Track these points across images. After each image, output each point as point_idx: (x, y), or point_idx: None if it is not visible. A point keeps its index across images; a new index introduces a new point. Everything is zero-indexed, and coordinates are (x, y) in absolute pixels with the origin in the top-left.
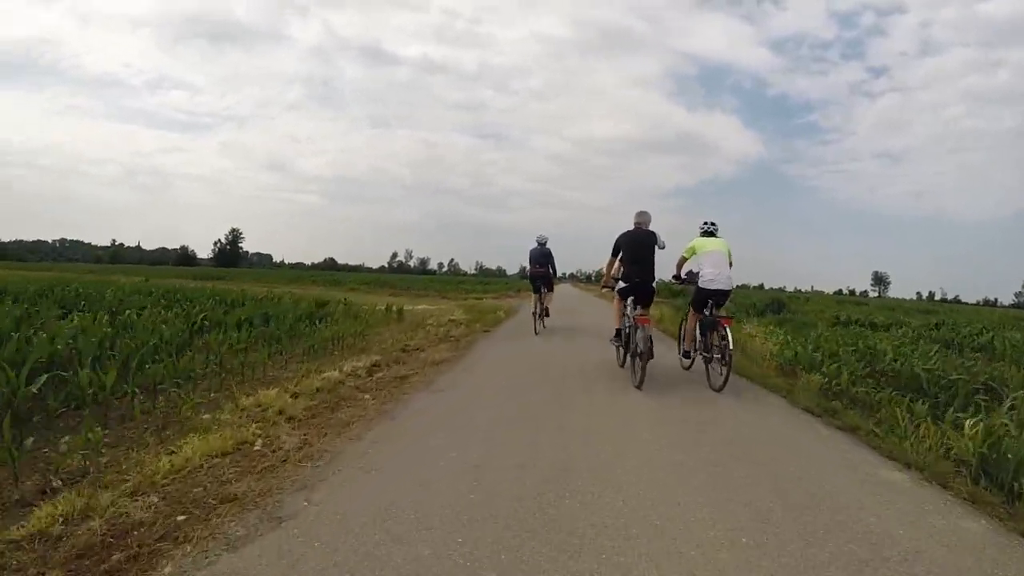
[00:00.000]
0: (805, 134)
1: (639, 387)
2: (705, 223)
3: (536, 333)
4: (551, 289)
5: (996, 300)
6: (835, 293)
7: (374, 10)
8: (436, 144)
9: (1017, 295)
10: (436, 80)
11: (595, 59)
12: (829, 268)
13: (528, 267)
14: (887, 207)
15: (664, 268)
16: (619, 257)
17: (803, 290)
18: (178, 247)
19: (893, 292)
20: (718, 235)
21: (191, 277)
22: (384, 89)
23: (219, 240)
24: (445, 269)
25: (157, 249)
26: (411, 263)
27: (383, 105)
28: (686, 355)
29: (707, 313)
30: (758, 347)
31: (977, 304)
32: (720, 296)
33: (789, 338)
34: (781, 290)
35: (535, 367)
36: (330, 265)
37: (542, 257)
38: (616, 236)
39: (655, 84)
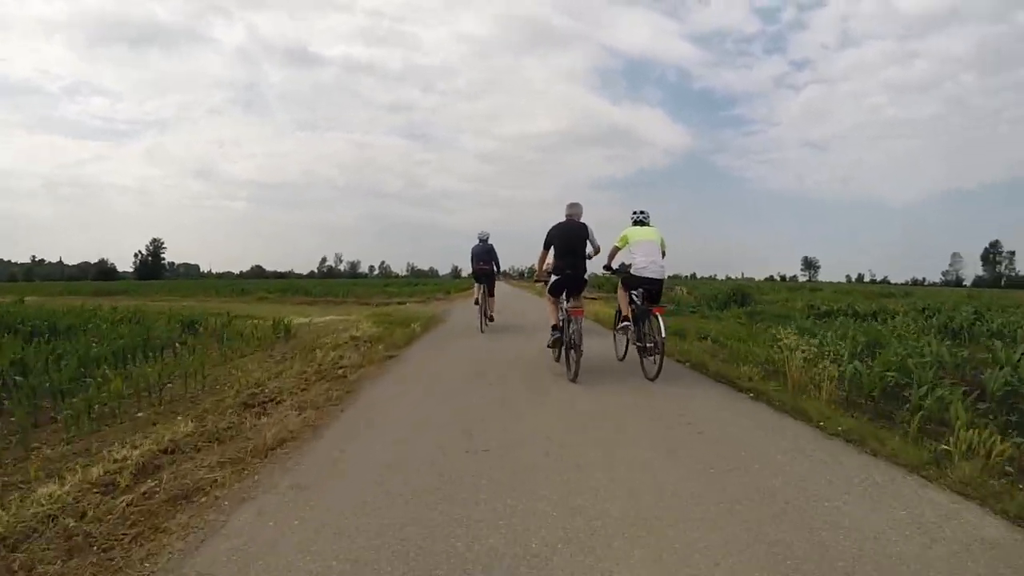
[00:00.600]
0: (732, 125)
1: (574, 380)
2: (635, 212)
3: (481, 331)
4: (492, 293)
5: (924, 279)
6: (767, 279)
7: (298, 12)
8: (367, 146)
9: (944, 273)
10: (363, 81)
11: (520, 56)
12: (759, 256)
13: (471, 265)
14: (815, 194)
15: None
16: (551, 249)
17: (734, 277)
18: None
19: (822, 276)
20: (650, 223)
21: (91, 293)
22: (311, 91)
23: (139, 252)
24: (376, 272)
25: (80, 263)
26: (341, 267)
27: (311, 108)
28: (623, 320)
29: (639, 303)
30: (802, 365)
31: (906, 284)
32: (652, 284)
33: (826, 345)
34: (712, 278)
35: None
36: (257, 273)
37: (485, 254)
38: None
39: (581, 79)
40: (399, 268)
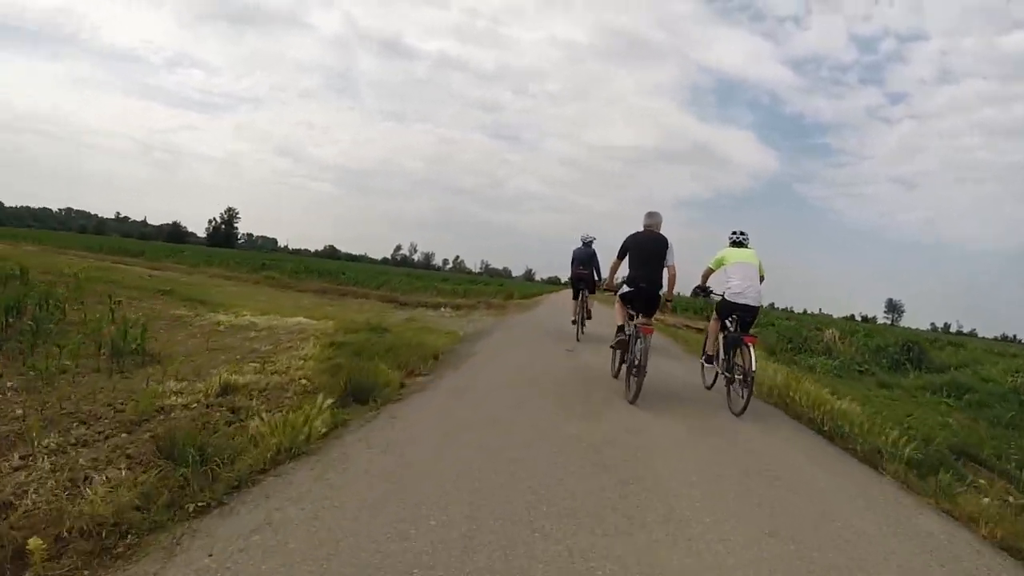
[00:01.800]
0: (820, 155)
1: (632, 402)
2: (735, 232)
3: (577, 340)
4: (593, 291)
5: (1015, 336)
6: (846, 318)
7: (395, 4)
8: (452, 141)
9: None
10: (455, 77)
11: (613, 66)
12: (836, 292)
13: (571, 269)
14: (897, 232)
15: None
16: (624, 260)
17: (810, 312)
18: (181, 223)
19: (907, 321)
20: (749, 246)
21: (121, 253)
22: (402, 83)
23: (213, 219)
24: (450, 266)
25: (163, 224)
26: (415, 257)
27: (400, 99)
28: (708, 360)
29: (731, 329)
30: None
31: (996, 339)
32: (747, 312)
33: None
34: (788, 311)
35: None
36: (329, 253)
37: (586, 258)
38: (624, 238)
39: (671, 94)
40: (473, 264)
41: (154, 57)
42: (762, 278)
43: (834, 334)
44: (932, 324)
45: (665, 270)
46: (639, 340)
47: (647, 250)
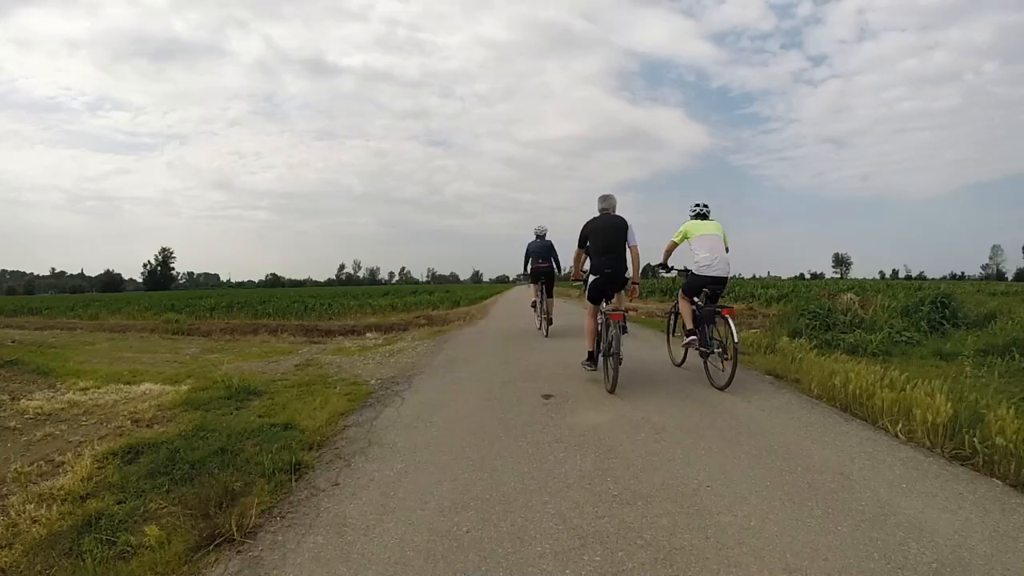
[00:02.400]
0: (749, 124)
1: (611, 391)
2: (696, 205)
3: (546, 335)
4: (551, 294)
5: (963, 273)
6: (797, 277)
7: (314, 22)
8: (386, 153)
9: (984, 267)
10: (381, 89)
11: (540, 60)
12: (784, 255)
13: (527, 265)
14: (835, 190)
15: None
16: (586, 248)
17: (760, 276)
18: (113, 271)
19: (855, 273)
20: (711, 217)
21: (14, 313)
22: (329, 101)
23: (148, 262)
24: (396, 279)
25: (103, 274)
26: (360, 274)
27: (329, 117)
28: (690, 334)
29: (702, 303)
30: None
31: (944, 278)
32: (717, 284)
33: None
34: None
35: None
36: (272, 282)
37: (544, 251)
38: (582, 226)
39: (600, 81)
40: (419, 274)
41: (75, 103)
42: (727, 248)
43: (852, 299)
44: (880, 272)
45: (628, 252)
46: (612, 326)
47: (607, 234)
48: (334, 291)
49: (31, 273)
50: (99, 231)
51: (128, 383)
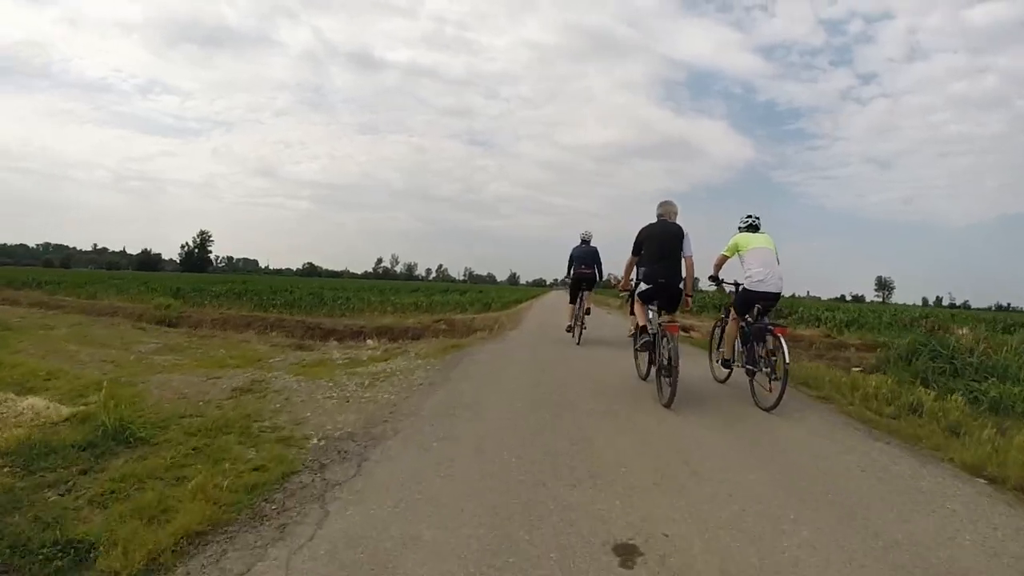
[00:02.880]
0: (794, 140)
1: (667, 405)
2: (748, 216)
3: (578, 343)
4: (591, 289)
5: (1009, 304)
6: (838, 299)
7: (363, 16)
8: (427, 149)
9: None
10: (426, 85)
11: (583, 65)
12: (822, 273)
13: (570, 270)
14: (876, 212)
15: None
16: (640, 255)
17: (799, 295)
18: (151, 251)
19: (896, 298)
20: (763, 230)
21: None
22: (374, 95)
23: (186, 244)
24: (434, 276)
25: (140, 253)
26: (397, 268)
27: (373, 111)
28: (725, 364)
29: (751, 320)
30: None
31: (990, 309)
32: (770, 300)
33: None
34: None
35: None
36: (309, 271)
37: (588, 257)
38: (637, 231)
39: (643, 89)
40: (456, 272)
41: (125, 85)
42: (778, 262)
43: (972, 336)
44: (924, 299)
45: (683, 262)
46: (666, 340)
47: (663, 242)
48: (361, 284)
49: (73, 247)
50: (143, 211)
51: (24, 392)
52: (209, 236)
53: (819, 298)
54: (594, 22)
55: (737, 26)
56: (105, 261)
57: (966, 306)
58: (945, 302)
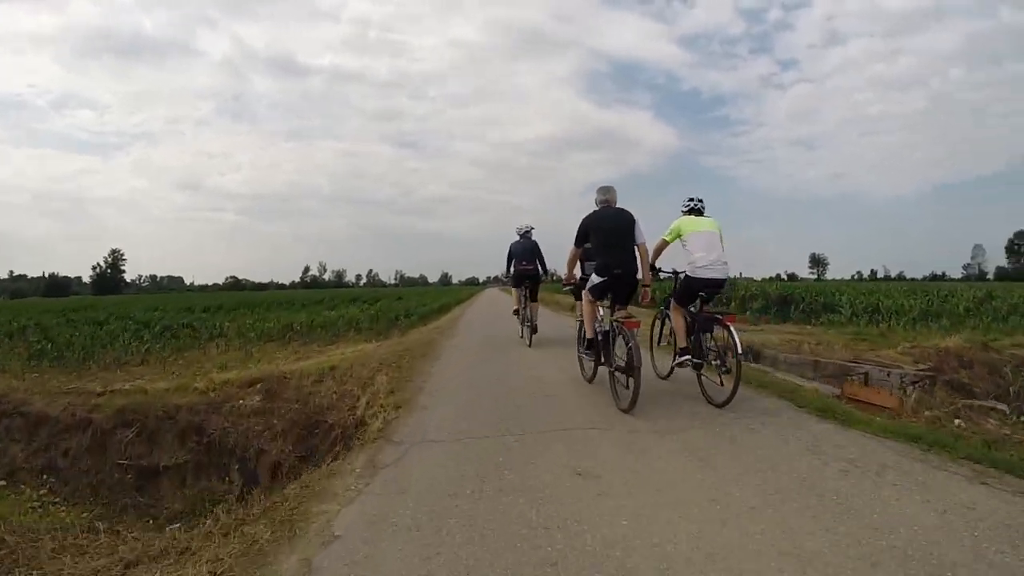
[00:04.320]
0: (719, 126)
1: (627, 411)
2: (691, 199)
3: (529, 344)
4: (536, 298)
5: (944, 273)
6: (774, 278)
7: (284, 22)
8: (356, 154)
9: (965, 267)
10: (352, 90)
11: (512, 62)
12: (755, 255)
13: (510, 267)
14: (805, 191)
15: None
16: (586, 247)
17: (733, 276)
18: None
19: (831, 273)
20: (706, 213)
21: None
22: (299, 101)
23: (98, 264)
24: (364, 281)
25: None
26: (326, 276)
27: (299, 117)
28: (683, 352)
29: (696, 308)
30: None
31: (925, 279)
32: (714, 287)
33: None
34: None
35: None
36: (231, 285)
37: (528, 252)
38: (581, 220)
39: (572, 83)
40: (387, 276)
41: (39, 101)
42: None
43: None
44: (858, 272)
45: (636, 249)
46: (623, 337)
47: (613, 230)
48: (259, 299)
49: None
50: (64, 233)
51: None
52: (122, 255)
53: (752, 279)
54: (520, 18)
55: (659, 17)
56: (9, 288)
57: (901, 277)
58: (880, 275)
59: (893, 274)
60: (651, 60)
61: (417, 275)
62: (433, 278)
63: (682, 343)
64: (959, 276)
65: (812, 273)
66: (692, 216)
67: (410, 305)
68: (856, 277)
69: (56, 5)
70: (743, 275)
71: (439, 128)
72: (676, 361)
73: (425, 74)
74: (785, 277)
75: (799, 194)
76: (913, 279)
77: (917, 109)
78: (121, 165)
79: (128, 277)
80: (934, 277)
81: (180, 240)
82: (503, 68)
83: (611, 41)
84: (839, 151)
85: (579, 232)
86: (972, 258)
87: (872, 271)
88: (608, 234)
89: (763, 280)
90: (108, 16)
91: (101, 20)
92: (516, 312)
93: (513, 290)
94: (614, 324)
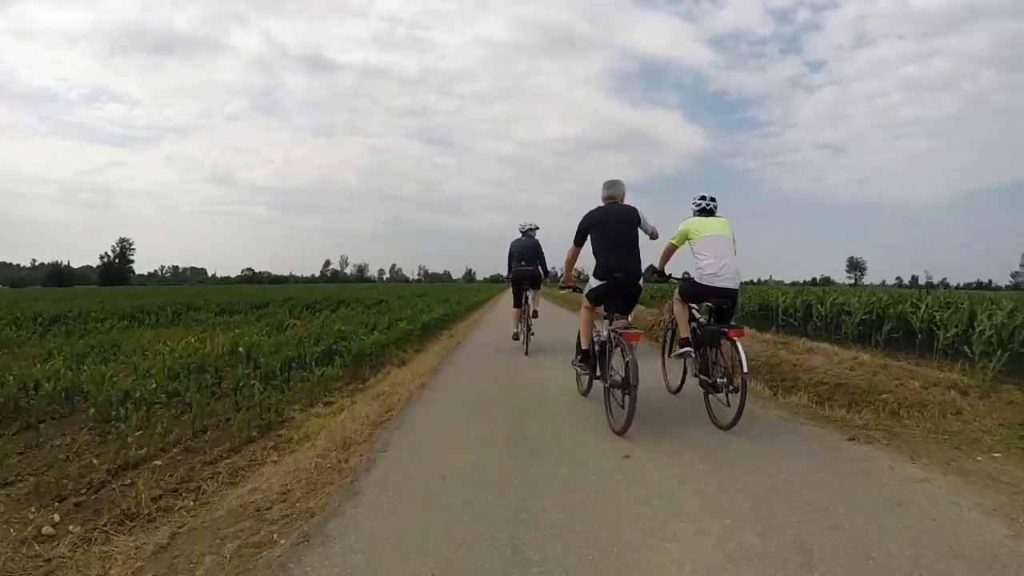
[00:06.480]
0: (747, 128)
1: (621, 433)
2: (702, 198)
3: (526, 353)
4: (537, 287)
5: (990, 281)
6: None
7: (314, 18)
8: (384, 150)
9: (1014, 275)
10: (380, 86)
11: (540, 60)
12: (782, 257)
13: (510, 268)
14: (834, 195)
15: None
16: (583, 246)
17: (761, 280)
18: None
19: (869, 279)
20: (718, 214)
21: None
22: (328, 97)
23: (105, 254)
24: (387, 276)
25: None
26: (347, 270)
27: (328, 113)
28: (683, 343)
29: (705, 321)
30: None
31: (969, 286)
32: (725, 296)
33: None
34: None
35: None
36: (247, 278)
37: (529, 252)
38: (581, 218)
39: (599, 83)
40: (411, 271)
41: (71, 94)
42: (735, 252)
43: None
44: (898, 279)
45: (647, 243)
46: (621, 350)
47: (616, 228)
48: (270, 292)
49: (16, 264)
50: (95, 223)
51: None
52: (130, 245)
53: (782, 282)
54: (548, 16)
55: (687, 17)
56: (12, 277)
57: (944, 284)
58: (922, 280)
59: (935, 280)
60: (679, 60)
61: (441, 271)
62: (457, 274)
63: (684, 333)
64: (1007, 284)
65: (849, 278)
66: (701, 217)
67: (430, 303)
68: (898, 283)
69: (90, 2)
70: (772, 278)
71: (465, 125)
72: (675, 352)
73: (452, 71)
74: (819, 281)
75: (829, 197)
76: (956, 286)
77: (947, 114)
78: (152, 158)
79: (148, 268)
80: (979, 285)
81: (206, 232)
82: (530, 67)
83: (640, 41)
84: (868, 155)
85: (578, 230)
86: (1021, 266)
87: (913, 277)
88: (610, 233)
89: (793, 285)
90: (140, 11)
91: (134, 16)
92: (515, 336)
93: (513, 310)
94: (612, 335)
